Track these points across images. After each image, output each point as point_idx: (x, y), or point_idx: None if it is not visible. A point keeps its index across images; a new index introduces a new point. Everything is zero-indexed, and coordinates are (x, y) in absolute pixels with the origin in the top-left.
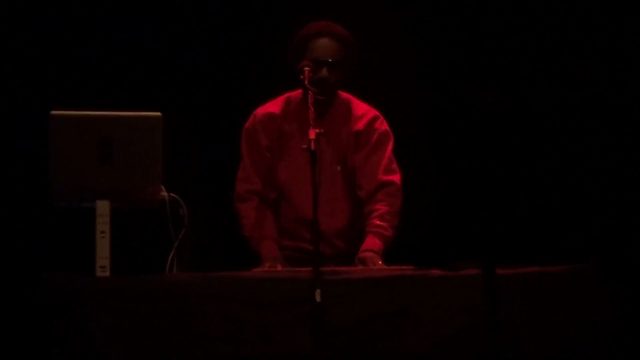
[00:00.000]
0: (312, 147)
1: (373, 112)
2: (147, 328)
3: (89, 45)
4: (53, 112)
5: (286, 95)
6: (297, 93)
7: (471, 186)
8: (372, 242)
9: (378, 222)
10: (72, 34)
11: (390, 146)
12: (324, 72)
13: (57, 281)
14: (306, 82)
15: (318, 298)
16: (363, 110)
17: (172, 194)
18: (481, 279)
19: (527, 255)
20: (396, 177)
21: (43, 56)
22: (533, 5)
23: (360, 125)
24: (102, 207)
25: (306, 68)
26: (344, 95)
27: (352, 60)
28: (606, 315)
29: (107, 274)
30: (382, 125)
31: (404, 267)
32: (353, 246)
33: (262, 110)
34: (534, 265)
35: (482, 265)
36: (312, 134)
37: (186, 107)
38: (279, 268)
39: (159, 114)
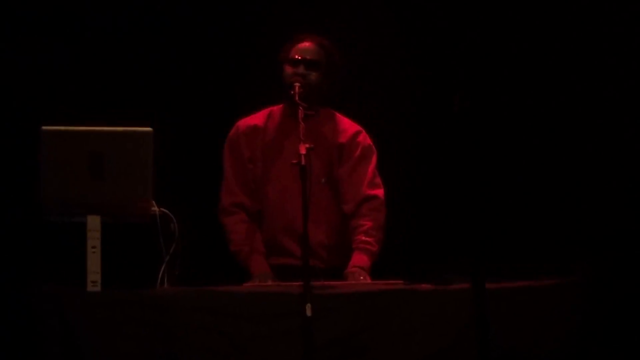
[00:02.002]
0: (303, 162)
1: (356, 126)
2: (138, 342)
3: (80, 61)
4: (44, 127)
5: (269, 108)
6: (279, 107)
7: (460, 200)
8: (359, 259)
9: (364, 237)
10: (63, 49)
11: (373, 160)
12: (301, 69)
13: (49, 296)
14: (296, 98)
15: (309, 312)
16: (347, 125)
17: (162, 209)
18: (470, 293)
19: (516, 269)
20: (379, 192)
21: (33, 71)
22: (518, 16)
23: (344, 138)
24: (93, 222)
25: (296, 84)
26: (329, 109)
27: (333, 65)
28: (595, 329)
29: (99, 288)
30: (366, 140)
31: (394, 282)
32: (339, 258)
33: (244, 122)
34: (523, 279)
35: (472, 280)
36: (302, 149)
37: (177, 123)
38: (269, 284)
39: (149, 129)
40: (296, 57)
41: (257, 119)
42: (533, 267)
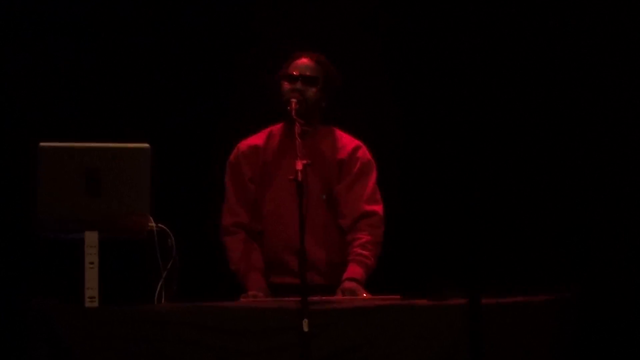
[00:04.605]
0: (299, 178)
1: (355, 142)
2: (135, 358)
3: (78, 77)
4: (42, 143)
5: (269, 128)
6: (279, 126)
7: (457, 215)
8: (354, 271)
9: (360, 250)
10: (61, 65)
11: (373, 176)
12: (299, 85)
13: (46, 312)
14: (293, 114)
15: (306, 328)
16: (346, 140)
17: (160, 225)
18: (467, 309)
19: (512, 285)
20: (379, 208)
21: (31, 87)
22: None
23: (343, 154)
24: (91, 238)
25: (293, 100)
26: (328, 127)
27: (330, 80)
28: (588, 344)
29: (96, 304)
30: (365, 155)
31: (391, 297)
32: (340, 275)
33: (245, 143)
34: (518, 295)
35: (468, 295)
36: (299, 165)
37: (174, 138)
38: (260, 297)
39: (147, 145)
40: (294, 73)
41: (257, 139)
42: (528, 283)
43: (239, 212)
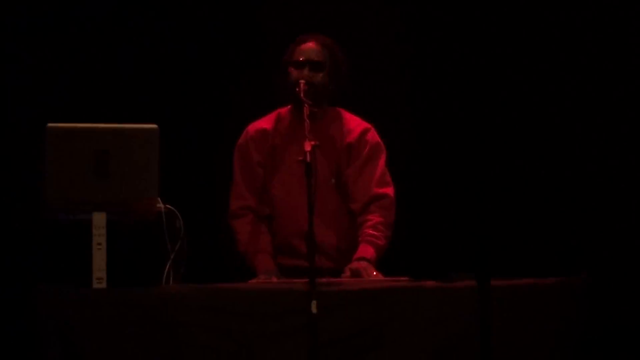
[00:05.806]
0: (308, 159)
1: (364, 124)
2: (143, 339)
3: (86, 58)
4: (50, 124)
5: (277, 111)
6: (287, 108)
7: (466, 197)
8: (365, 250)
9: (371, 231)
10: (69, 46)
11: (383, 158)
12: (306, 71)
13: (53, 293)
14: (302, 95)
15: (314, 309)
16: (354, 123)
17: (168, 206)
18: (476, 291)
19: (521, 267)
20: (390, 190)
21: (39, 69)
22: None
23: (352, 137)
24: (99, 219)
25: (301, 81)
26: (336, 109)
27: (337, 64)
28: (598, 327)
29: (104, 285)
30: (374, 138)
31: (399, 279)
32: (350, 260)
33: (253, 127)
34: (528, 277)
35: (477, 277)
36: (307, 146)
37: (183, 119)
38: (274, 280)
39: (155, 126)
40: (300, 59)
41: (265, 122)
42: (538, 266)
43: (246, 196)
